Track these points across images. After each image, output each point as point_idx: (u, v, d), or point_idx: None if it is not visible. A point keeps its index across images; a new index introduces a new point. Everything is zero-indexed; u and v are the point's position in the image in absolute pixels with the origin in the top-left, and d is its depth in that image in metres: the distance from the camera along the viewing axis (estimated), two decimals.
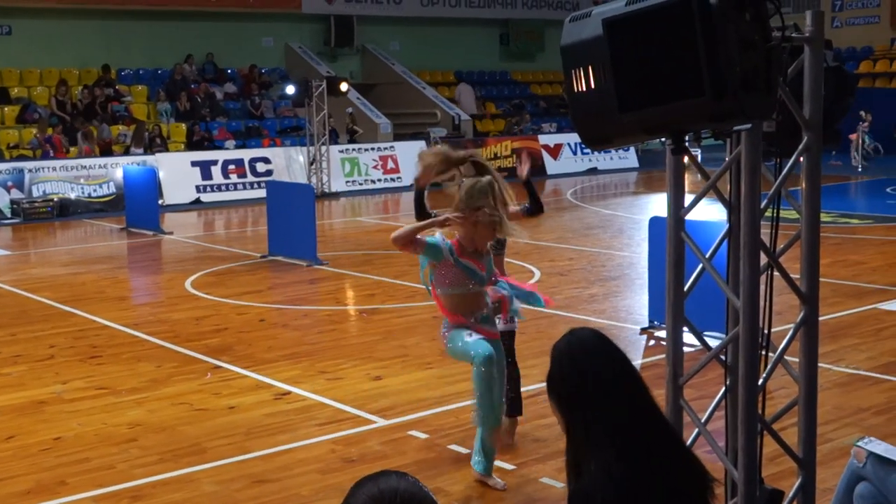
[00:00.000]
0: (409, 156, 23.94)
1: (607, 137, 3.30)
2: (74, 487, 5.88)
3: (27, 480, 5.98)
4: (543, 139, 26.55)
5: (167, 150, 22.16)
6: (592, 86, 3.09)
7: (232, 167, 21.92)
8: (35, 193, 19.46)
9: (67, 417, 7.16)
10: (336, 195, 22.11)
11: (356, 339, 9.38)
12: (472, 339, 5.57)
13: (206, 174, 21.57)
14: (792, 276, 3.81)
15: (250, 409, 7.23)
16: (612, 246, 14.42)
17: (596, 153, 26.45)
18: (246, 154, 22.50)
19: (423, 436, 6.58)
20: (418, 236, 5.51)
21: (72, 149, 21.20)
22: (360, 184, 23.32)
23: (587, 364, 2.63)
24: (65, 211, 19.43)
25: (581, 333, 2.70)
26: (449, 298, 5.64)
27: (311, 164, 22.17)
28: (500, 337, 5.81)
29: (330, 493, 5.70)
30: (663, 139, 3.33)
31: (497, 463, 6.07)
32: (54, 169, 19.86)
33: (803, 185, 3.72)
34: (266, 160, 22.47)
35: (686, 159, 3.56)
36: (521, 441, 6.46)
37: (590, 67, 3.11)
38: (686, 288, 3.83)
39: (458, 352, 5.68)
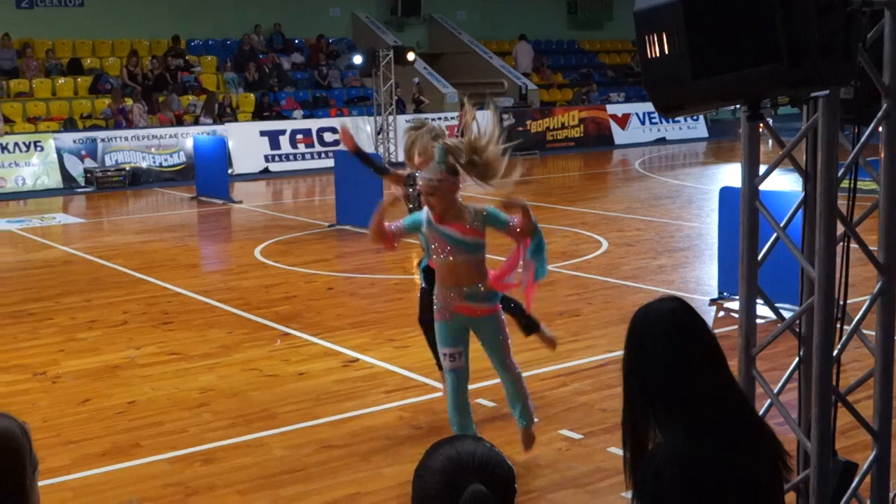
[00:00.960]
0: None
1: (681, 104, 3.25)
2: (148, 450, 6.00)
3: (103, 442, 6.12)
4: (611, 109, 26.30)
5: (236, 120, 22.39)
6: (666, 51, 3.04)
7: (300, 137, 22.09)
8: (108, 162, 19.80)
9: (141, 382, 7.30)
10: (403, 164, 22.11)
11: None
12: (445, 364, 5.43)
13: (275, 144, 21.76)
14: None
15: (319, 376, 7.32)
16: (681, 216, 14.27)
17: (664, 123, 26.15)
18: (314, 124, 22.63)
19: (491, 404, 6.60)
20: (392, 226, 5.36)
21: (149, 117, 21.46)
22: None
23: (652, 335, 2.57)
24: (136, 180, 19.75)
25: (657, 304, 2.63)
26: (437, 269, 5.42)
27: (379, 133, 22.23)
28: (485, 315, 5.41)
29: (398, 458, 5.75)
30: (737, 107, 3.28)
31: (564, 432, 6.08)
32: (126, 139, 20.19)
33: (882, 153, 3.64)
34: (333, 130, 22.55)
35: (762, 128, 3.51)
36: (588, 411, 6.45)
37: (664, 33, 3.06)
38: (759, 257, 3.78)
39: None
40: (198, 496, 5.36)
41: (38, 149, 19.37)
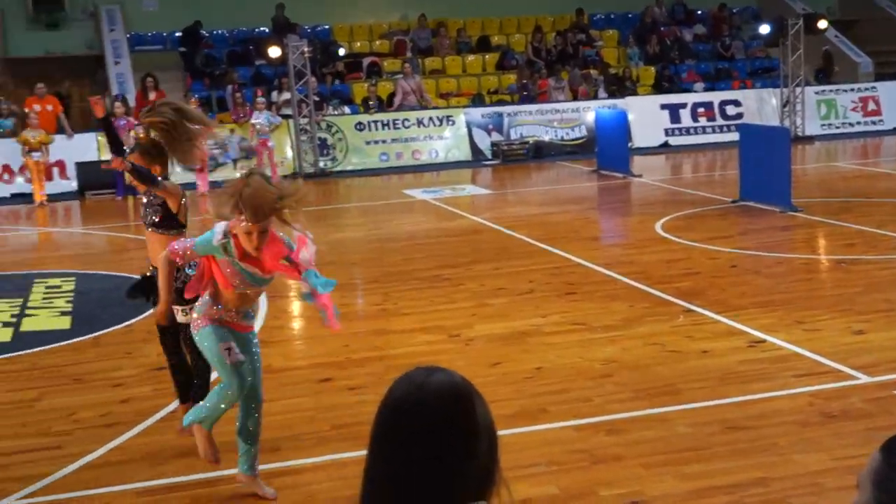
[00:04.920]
0: (894, 98, 22.33)
1: None
2: (554, 416, 6.17)
3: (512, 405, 6.36)
4: None
5: (636, 93, 22.39)
6: None
7: (701, 110, 21.71)
8: (513, 136, 20.57)
9: (546, 349, 7.52)
10: (810, 139, 21.12)
11: (834, 290, 8.96)
12: (228, 365, 4.98)
13: (675, 117, 21.55)
14: None
15: (724, 355, 7.17)
16: None
17: None
18: (715, 97, 22.15)
19: None
20: (183, 246, 5.02)
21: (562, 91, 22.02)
22: (837, 127, 22.10)
23: None
24: (539, 153, 20.35)
25: None
26: (223, 291, 5.08)
27: (785, 106, 21.33)
28: (252, 330, 5.29)
29: (808, 446, 5.52)
30: None
31: None
32: (530, 113, 20.85)
33: None
34: (736, 103, 21.97)
35: None
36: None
37: None
38: None
39: (207, 354, 5.13)
40: (603, 465, 5.44)
41: (450, 123, 20.50)
